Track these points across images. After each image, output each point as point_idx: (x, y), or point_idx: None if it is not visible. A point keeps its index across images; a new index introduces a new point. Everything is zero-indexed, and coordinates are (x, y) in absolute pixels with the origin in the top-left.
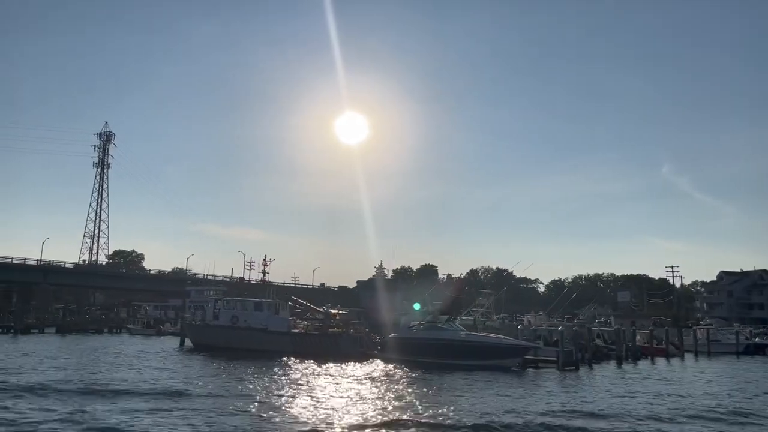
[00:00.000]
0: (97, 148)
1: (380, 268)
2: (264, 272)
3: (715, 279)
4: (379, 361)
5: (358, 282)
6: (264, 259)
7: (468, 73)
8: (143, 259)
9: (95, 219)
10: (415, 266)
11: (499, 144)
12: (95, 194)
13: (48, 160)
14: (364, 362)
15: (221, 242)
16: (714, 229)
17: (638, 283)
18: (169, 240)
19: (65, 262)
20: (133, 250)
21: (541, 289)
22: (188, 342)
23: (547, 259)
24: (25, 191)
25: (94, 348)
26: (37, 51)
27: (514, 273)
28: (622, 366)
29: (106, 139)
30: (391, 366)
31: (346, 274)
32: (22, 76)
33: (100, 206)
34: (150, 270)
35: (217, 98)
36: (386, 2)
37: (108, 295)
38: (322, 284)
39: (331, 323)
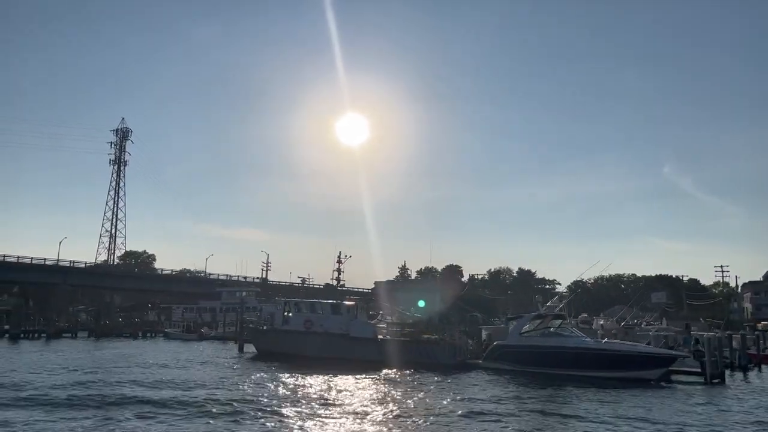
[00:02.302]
0: (113, 145)
1: (403, 268)
2: (339, 270)
3: (761, 279)
4: (483, 372)
5: (376, 283)
6: (339, 257)
7: (470, 72)
8: (155, 259)
9: (112, 218)
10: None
11: (502, 144)
12: (111, 192)
13: (47, 159)
14: (467, 373)
15: (221, 243)
16: (716, 229)
17: (669, 283)
18: (171, 240)
19: (86, 263)
20: (144, 251)
21: (559, 289)
22: (246, 348)
23: (549, 260)
24: (27, 190)
25: (161, 357)
26: (36, 49)
27: (582, 278)
28: (746, 375)
29: (122, 135)
30: (504, 378)
31: (352, 275)
32: (22, 74)
33: (117, 205)
34: (162, 270)
35: (217, 98)
36: (387, 1)
37: (123, 296)
38: (342, 285)
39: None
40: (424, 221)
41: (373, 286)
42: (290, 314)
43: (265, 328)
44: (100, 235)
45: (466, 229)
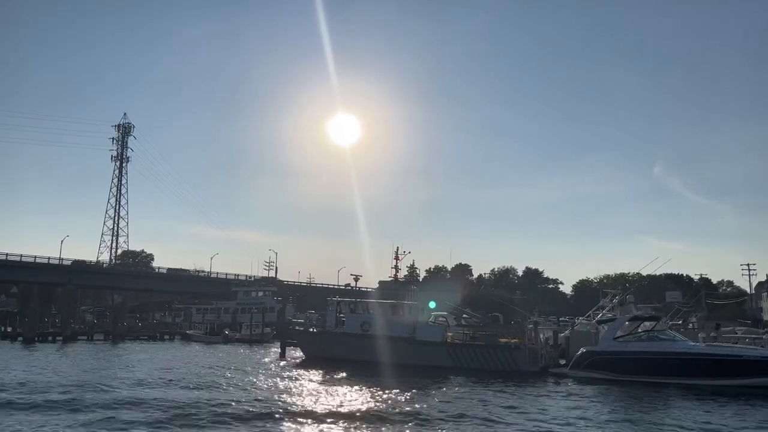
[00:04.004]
0: (115, 141)
1: (412, 267)
2: (396, 267)
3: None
4: (571, 382)
5: (380, 282)
6: (396, 252)
7: (464, 72)
8: (153, 259)
9: (114, 216)
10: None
11: (498, 144)
12: (113, 189)
13: (46, 155)
14: (554, 382)
15: (216, 242)
16: (709, 229)
17: (678, 282)
18: (165, 240)
19: (91, 262)
20: (143, 250)
21: (562, 288)
22: (287, 351)
23: (546, 260)
24: (26, 187)
25: (216, 363)
26: (36, 44)
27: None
28: None
29: (124, 131)
30: (601, 389)
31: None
32: (22, 68)
33: (119, 202)
34: (169, 269)
35: (208, 98)
36: (379, 1)
37: (126, 296)
38: (347, 285)
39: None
40: (425, 221)
41: (376, 285)
42: (343, 315)
43: (314, 330)
44: (102, 234)
45: (460, 229)
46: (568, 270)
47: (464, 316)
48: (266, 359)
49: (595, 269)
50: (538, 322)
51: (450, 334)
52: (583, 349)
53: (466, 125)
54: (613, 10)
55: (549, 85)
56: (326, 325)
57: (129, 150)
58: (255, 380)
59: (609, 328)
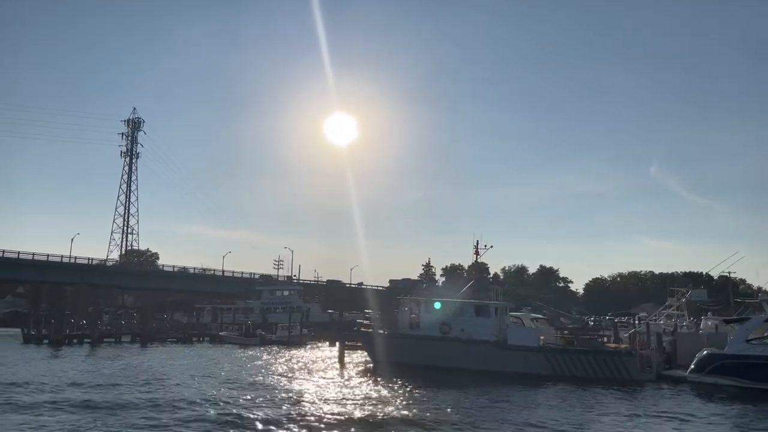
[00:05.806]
0: (124, 136)
1: (427, 266)
2: (476, 264)
3: None
4: (693, 390)
5: (390, 281)
6: (476, 247)
7: (463, 72)
8: (158, 258)
9: (124, 213)
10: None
11: (496, 144)
12: (123, 186)
13: (47, 153)
14: (677, 391)
15: (212, 242)
16: (708, 229)
17: (695, 280)
18: (162, 240)
19: (105, 260)
20: (148, 249)
21: (572, 287)
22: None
23: (545, 259)
24: (26, 184)
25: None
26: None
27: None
28: None
29: (134, 126)
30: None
31: (358, 275)
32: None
33: (129, 199)
34: (185, 268)
35: (207, 98)
36: (376, 1)
37: (135, 296)
38: (360, 283)
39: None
40: (418, 221)
41: (387, 284)
42: (414, 316)
43: (385, 332)
44: (112, 232)
45: (460, 228)
46: (566, 269)
47: (560, 319)
48: (326, 364)
49: (593, 268)
50: (617, 322)
51: (542, 337)
52: (705, 351)
53: (464, 124)
54: (612, 10)
55: (547, 84)
56: (399, 327)
57: (139, 146)
58: (345, 389)
59: (740, 329)
